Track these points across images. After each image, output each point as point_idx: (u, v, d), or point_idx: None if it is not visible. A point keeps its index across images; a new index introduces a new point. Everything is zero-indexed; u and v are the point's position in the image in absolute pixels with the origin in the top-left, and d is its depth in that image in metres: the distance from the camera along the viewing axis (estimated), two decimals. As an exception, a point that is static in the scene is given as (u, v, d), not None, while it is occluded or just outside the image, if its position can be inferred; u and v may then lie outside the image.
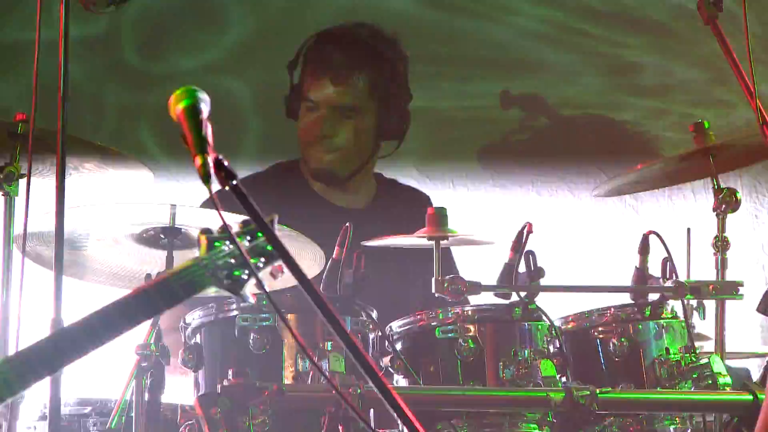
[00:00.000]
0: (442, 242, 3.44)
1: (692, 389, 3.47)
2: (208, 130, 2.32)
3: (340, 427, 3.16)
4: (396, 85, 4.18)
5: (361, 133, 4.21)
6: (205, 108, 2.31)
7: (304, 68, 4.21)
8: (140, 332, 3.45)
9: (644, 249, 3.59)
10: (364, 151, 4.23)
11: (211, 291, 2.32)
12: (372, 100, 4.19)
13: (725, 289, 3.51)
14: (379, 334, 3.40)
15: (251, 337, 3.40)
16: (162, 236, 3.33)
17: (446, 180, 5.12)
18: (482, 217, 4.85)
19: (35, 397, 3.55)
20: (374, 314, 3.40)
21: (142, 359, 3.16)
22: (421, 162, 4.94)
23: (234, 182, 2.24)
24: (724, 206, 3.94)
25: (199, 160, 2.25)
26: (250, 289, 2.32)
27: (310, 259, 3.42)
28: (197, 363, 3.44)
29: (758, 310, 3.56)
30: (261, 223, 2.20)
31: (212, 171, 2.23)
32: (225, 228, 2.26)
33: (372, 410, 3.34)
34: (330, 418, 3.18)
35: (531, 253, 3.39)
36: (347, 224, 3.38)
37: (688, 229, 3.65)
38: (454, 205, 4.01)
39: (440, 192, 4.87)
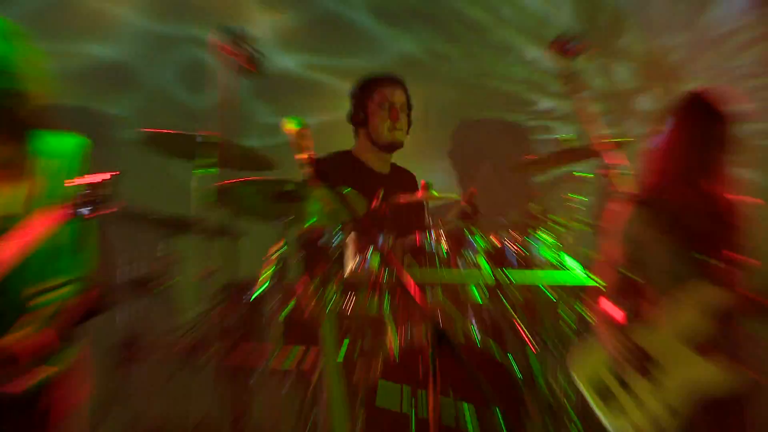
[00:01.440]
0: (430, 201, 5.75)
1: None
2: (308, 140, 4.12)
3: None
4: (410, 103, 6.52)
5: (407, 122, 6.47)
6: (306, 129, 4.23)
7: (378, 89, 6.28)
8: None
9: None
10: (406, 133, 6.49)
11: None
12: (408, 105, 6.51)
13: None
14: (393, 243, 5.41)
15: (330, 247, 5.30)
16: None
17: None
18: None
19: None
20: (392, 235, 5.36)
21: (279, 258, 5.16)
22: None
23: (318, 168, 4.07)
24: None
25: (302, 156, 4.11)
26: None
27: (357, 204, 5.28)
28: (306, 265, 5.36)
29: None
30: (335, 190, 4.32)
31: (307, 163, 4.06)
32: None
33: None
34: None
35: (474, 201, 5.64)
36: (380, 189, 5.54)
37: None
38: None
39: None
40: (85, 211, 4.02)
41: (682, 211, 4.90)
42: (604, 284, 4.97)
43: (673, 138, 4.93)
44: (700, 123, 4.93)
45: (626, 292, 4.93)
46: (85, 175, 4.09)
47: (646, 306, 4.90)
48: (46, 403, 4.07)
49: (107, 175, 4.01)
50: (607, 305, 4.91)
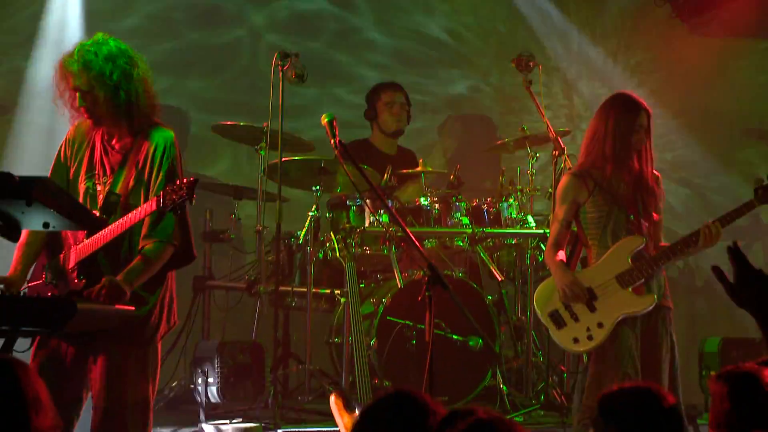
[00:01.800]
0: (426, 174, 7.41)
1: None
2: (336, 129, 4.71)
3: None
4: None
5: (406, 116, 8.19)
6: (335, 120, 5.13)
7: (383, 92, 8.00)
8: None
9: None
10: (406, 124, 8.26)
11: None
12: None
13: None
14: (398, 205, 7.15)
15: (352, 208, 7.01)
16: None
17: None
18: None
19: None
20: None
21: (314, 217, 7.20)
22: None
23: (344, 150, 4.93)
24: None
25: (333, 141, 4.78)
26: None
27: (373, 178, 6.81)
28: (334, 220, 7.04)
29: None
30: (358, 167, 5.49)
31: (337, 146, 4.70)
32: None
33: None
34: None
35: (458, 174, 7.32)
36: (389, 165, 7.23)
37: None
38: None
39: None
40: (170, 206, 4.49)
41: (604, 182, 5.63)
42: (553, 235, 5.72)
43: (600, 128, 5.67)
44: (622, 114, 5.62)
45: (569, 241, 5.73)
46: (173, 170, 4.68)
47: (588, 252, 5.67)
48: (155, 323, 4.80)
49: (187, 180, 4.50)
50: (558, 252, 5.60)
